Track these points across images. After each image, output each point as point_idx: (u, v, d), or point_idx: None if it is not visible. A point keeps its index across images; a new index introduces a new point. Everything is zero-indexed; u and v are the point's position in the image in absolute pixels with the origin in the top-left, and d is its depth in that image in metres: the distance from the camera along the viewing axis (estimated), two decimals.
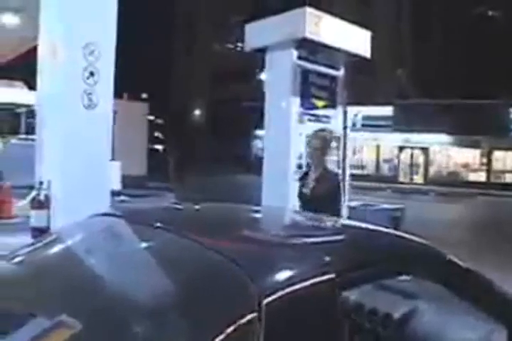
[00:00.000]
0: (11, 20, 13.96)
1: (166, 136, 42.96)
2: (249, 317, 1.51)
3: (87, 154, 4.09)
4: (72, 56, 3.98)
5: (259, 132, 28.11)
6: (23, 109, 16.28)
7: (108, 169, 4.24)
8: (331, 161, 5.11)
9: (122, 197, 13.02)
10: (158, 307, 1.67)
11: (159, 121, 43.50)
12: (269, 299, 1.55)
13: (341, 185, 4.84)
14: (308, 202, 4.78)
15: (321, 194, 4.63)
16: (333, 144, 5.21)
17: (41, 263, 2.24)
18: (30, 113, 16.26)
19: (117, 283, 1.91)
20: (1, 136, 14.12)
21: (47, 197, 4.11)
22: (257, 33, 6.85)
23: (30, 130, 15.02)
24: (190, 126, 40.82)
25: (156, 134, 41.45)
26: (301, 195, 4.85)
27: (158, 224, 2.13)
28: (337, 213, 4.49)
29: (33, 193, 4.20)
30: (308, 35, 6.25)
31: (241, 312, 1.52)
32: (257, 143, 30.37)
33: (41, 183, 4.13)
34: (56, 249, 2.39)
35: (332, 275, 1.72)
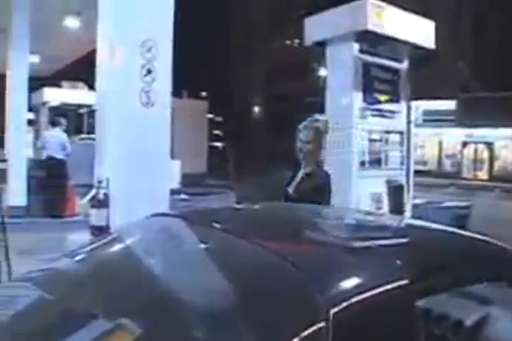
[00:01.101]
0: (72, 23, 14.32)
1: (226, 133, 43.23)
2: (315, 328, 1.38)
3: (146, 152, 4.04)
4: (129, 54, 3.94)
5: None
6: (85, 110, 16.64)
7: (167, 167, 4.18)
8: (325, 157, 4.21)
9: (182, 196, 13.10)
10: (218, 315, 1.57)
11: (219, 119, 43.81)
12: (337, 308, 1.42)
13: (328, 186, 4.02)
14: (292, 202, 4.17)
15: (304, 193, 3.97)
16: (328, 136, 4.24)
17: (100, 264, 2.18)
18: (92, 113, 16.62)
19: (176, 286, 1.82)
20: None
21: (106, 195, 4.09)
22: (316, 27, 6.68)
23: (92, 130, 15.40)
24: (250, 123, 40.89)
25: (216, 132, 41.76)
26: (285, 195, 4.21)
27: (218, 226, 2.03)
28: None
29: (92, 192, 4.20)
30: (371, 27, 6.03)
31: (306, 323, 1.40)
32: None
33: (100, 182, 4.12)
34: (114, 249, 2.34)
35: (405, 282, 1.57)
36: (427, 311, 1.84)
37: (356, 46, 6.32)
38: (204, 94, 40.51)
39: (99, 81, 4.30)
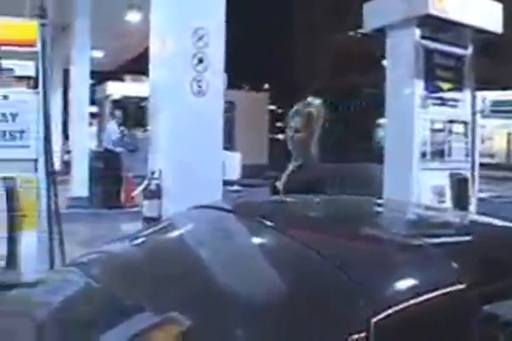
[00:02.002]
0: (134, 17, 14.51)
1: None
2: (355, 337, 1.24)
3: (198, 143, 3.97)
4: (180, 43, 3.87)
5: (382, 120, 27.33)
6: (147, 102, 16.84)
7: (220, 158, 4.10)
8: (316, 147, 3.76)
9: (236, 187, 12.99)
10: (258, 316, 1.46)
11: (280, 110, 43.64)
12: (381, 316, 1.27)
13: (322, 181, 3.57)
14: None
15: (294, 189, 3.49)
16: (321, 123, 3.75)
17: (145, 251, 2.13)
18: None
19: (219, 282, 1.74)
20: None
21: (158, 186, 4.06)
22: (375, 13, 6.44)
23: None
24: None
25: (278, 124, 41.61)
26: (273, 191, 3.79)
27: (261, 219, 1.93)
28: None
29: (145, 183, 4.17)
30: (432, 11, 5.76)
31: (346, 332, 1.26)
32: (379, 132, 29.53)
33: (153, 173, 4.09)
34: (159, 238, 2.28)
35: (461, 287, 1.40)
36: (492, 317, 1.68)
37: (417, 32, 6.05)
38: (266, 86, 40.42)
39: (152, 72, 4.27)
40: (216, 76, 3.97)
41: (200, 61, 3.86)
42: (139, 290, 1.74)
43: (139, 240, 2.28)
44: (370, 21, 6.51)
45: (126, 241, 2.28)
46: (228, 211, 2.32)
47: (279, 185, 3.72)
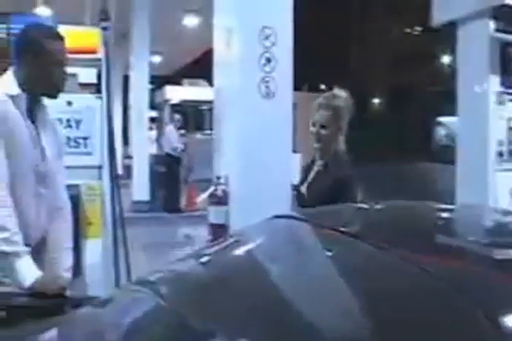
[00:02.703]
0: (192, 21, 14.54)
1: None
2: None
3: (266, 147, 3.79)
4: (247, 42, 3.70)
5: (442, 118, 26.66)
6: (206, 106, 16.90)
7: (289, 162, 3.91)
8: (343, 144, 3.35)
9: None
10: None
11: None
12: None
13: (352, 182, 3.21)
14: (305, 205, 3.31)
15: (321, 192, 3.17)
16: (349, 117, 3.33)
17: (219, 270, 1.95)
18: (212, 110, 16.86)
19: (303, 302, 1.54)
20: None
21: (225, 192, 3.91)
22: (445, 6, 6.14)
23: (212, 125, 15.62)
24: (371, 114, 39.96)
25: None
26: (297, 197, 3.42)
27: (352, 232, 1.73)
28: None
29: (211, 188, 4.03)
30: (509, 1, 5.43)
31: None
32: (440, 130, 28.76)
33: (219, 178, 3.94)
34: (236, 255, 2.09)
35: None
36: None
37: (492, 24, 5.71)
38: (324, 87, 40.08)
39: (217, 73, 4.13)
40: (285, 77, 3.78)
41: (268, 61, 3.69)
42: (210, 313, 1.56)
43: (212, 256, 2.11)
44: (440, 15, 6.20)
45: (198, 257, 2.12)
46: (307, 221, 2.12)
47: (304, 188, 3.40)
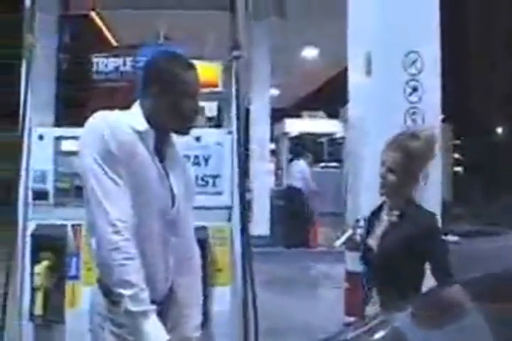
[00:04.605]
0: (311, 53, 14.43)
1: (466, 157, 40.65)
2: None
3: None
4: (390, 68, 3.35)
5: None
6: (325, 138, 16.63)
7: (437, 202, 3.46)
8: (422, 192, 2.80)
9: (450, 237, 11.35)
10: None
11: (457, 141, 41.44)
12: None
13: (438, 232, 2.74)
14: (374, 263, 2.85)
15: (398, 247, 2.67)
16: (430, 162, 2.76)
17: None
18: (331, 141, 16.57)
19: None
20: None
21: (363, 237, 3.51)
22: None
23: (331, 158, 15.31)
24: (494, 144, 37.95)
25: (455, 156, 39.48)
26: (364, 250, 2.90)
27: None
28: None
29: (348, 232, 3.66)
30: None
31: None
32: None
33: (357, 221, 3.56)
34: None
35: None
36: None
37: None
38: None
39: (352, 104, 3.81)
40: (433, 107, 3.37)
41: (415, 90, 3.29)
42: None
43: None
44: None
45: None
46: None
47: (372, 242, 2.85)
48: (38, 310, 3.36)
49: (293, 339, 5.56)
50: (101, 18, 7.15)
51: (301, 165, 12.01)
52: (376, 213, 2.94)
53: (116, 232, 2.00)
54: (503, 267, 3.07)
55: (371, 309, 2.86)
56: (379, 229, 2.87)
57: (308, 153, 12.56)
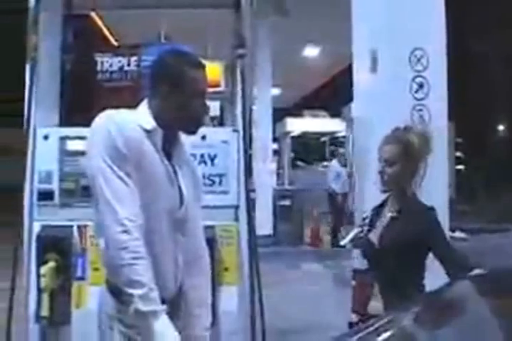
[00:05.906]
0: (312, 51, 14.39)
1: (467, 155, 40.58)
2: None
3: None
4: (396, 65, 3.33)
5: None
6: (326, 137, 16.63)
7: (444, 200, 3.44)
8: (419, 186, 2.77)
9: (457, 234, 11.19)
10: None
11: (458, 139, 41.31)
12: None
13: (438, 225, 2.69)
14: (376, 258, 2.86)
15: (399, 242, 2.67)
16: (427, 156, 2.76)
17: None
18: (333, 140, 16.57)
19: None
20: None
21: None
22: None
23: (333, 157, 15.34)
24: (494, 144, 37.88)
25: (456, 154, 39.35)
26: (364, 246, 2.91)
27: None
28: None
29: (355, 231, 3.63)
30: None
31: None
32: None
33: (364, 219, 3.53)
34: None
35: None
36: None
37: None
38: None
39: (357, 103, 3.79)
40: (439, 104, 3.36)
41: (421, 86, 3.27)
42: None
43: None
44: None
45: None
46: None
47: (374, 237, 2.85)
48: (44, 312, 3.33)
49: (300, 338, 5.55)
50: (101, 18, 7.11)
51: (336, 166, 11.97)
52: (379, 209, 2.95)
53: (125, 232, 1.98)
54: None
55: (374, 304, 2.85)
56: (380, 225, 2.88)
57: (342, 152, 12.49)
